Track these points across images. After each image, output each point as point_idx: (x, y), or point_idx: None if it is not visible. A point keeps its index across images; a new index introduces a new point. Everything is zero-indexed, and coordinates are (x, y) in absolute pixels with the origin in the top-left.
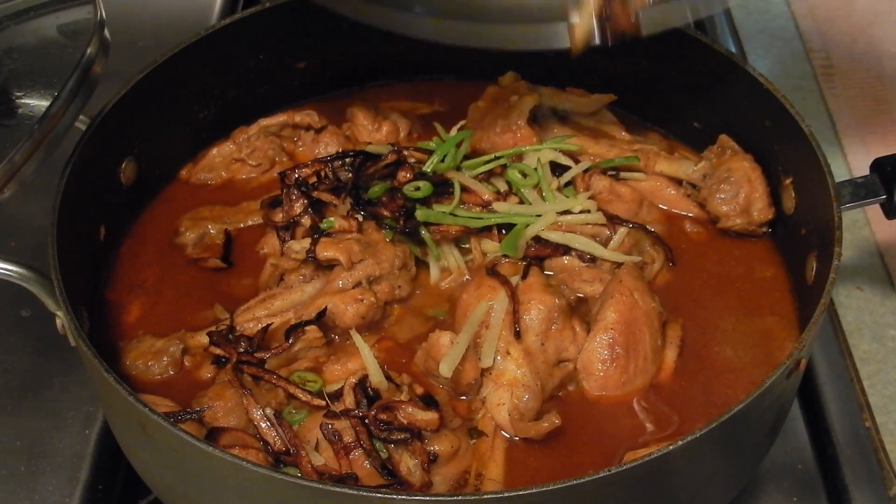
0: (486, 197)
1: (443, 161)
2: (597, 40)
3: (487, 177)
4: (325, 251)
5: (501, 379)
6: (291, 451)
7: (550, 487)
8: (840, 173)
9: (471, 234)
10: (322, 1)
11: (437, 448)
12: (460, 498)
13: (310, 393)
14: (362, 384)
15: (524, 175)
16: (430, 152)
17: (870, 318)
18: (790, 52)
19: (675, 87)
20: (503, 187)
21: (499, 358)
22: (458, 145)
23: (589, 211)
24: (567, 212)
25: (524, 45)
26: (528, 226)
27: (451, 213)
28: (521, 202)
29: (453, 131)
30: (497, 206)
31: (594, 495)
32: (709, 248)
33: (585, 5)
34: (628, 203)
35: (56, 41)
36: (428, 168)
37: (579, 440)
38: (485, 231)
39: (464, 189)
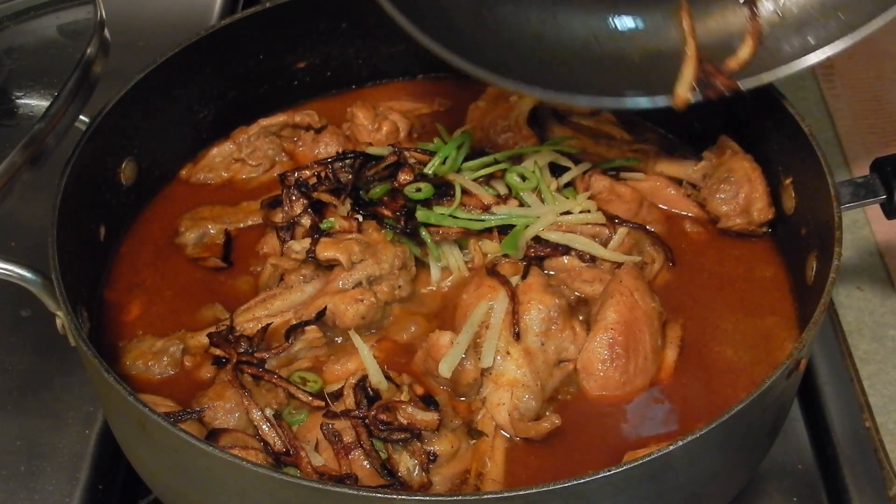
0: (487, 201)
1: (444, 163)
2: (698, 98)
3: (487, 180)
4: (325, 251)
5: (501, 379)
6: (291, 452)
7: (550, 487)
8: (840, 173)
9: (471, 235)
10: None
11: (436, 448)
12: (460, 498)
13: (310, 393)
14: (362, 384)
15: (523, 178)
16: (430, 153)
17: (870, 318)
18: None
19: None
20: (503, 190)
21: (499, 358)
22: (459, 147)
23: (589, 211)
24: (567, 212)
25: (631, 104)
26: (528, 226)
27: (451, 215)
28: (521, 205)
29: (456, 135)
30: (497, 208)
31: (594, 495)
32: (709, 248)
33: (684, 76)
34: (628, 203)
35: (56, 41)
36: (429, 170)
37: (579, 440)
38: (485, 233)
39: (464, 191)
